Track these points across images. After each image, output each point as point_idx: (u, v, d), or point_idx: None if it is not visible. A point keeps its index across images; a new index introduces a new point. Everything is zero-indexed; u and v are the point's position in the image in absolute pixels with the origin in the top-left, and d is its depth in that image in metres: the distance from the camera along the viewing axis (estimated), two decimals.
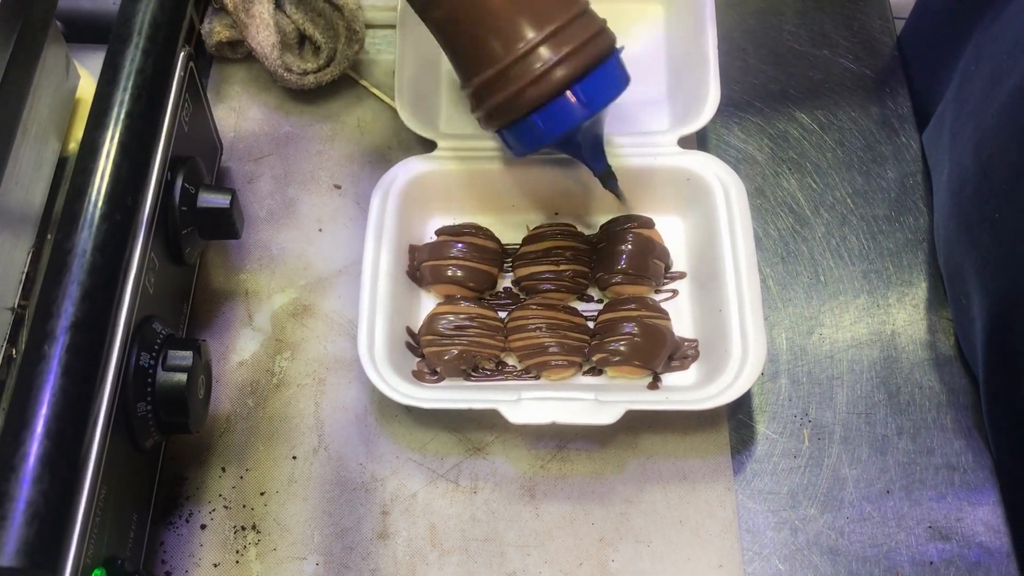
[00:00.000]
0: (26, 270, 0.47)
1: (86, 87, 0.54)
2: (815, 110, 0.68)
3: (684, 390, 0.55)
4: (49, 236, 0.49)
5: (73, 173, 0.34)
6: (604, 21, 0.53)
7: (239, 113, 0.68)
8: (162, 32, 0.36)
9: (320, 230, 0.63)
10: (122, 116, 0.34)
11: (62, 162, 0.52)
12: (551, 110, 0.50)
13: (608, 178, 0.57)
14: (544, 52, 0.49)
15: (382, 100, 0.68)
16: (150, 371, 0.47)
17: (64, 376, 0.30)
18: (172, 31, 0.37)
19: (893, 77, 0.69)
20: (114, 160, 0.33)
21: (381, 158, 0.66)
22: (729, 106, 0.68)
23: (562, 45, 0.49)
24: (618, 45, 0.53)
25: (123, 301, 0.34)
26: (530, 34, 0.49)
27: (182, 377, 0.47)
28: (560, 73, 0.49)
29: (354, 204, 0.64)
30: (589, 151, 0.55)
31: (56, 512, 0.28)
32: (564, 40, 0.49)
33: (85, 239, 0.32)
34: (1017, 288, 0.51)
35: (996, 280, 0.53)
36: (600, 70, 0.51)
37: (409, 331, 0.58)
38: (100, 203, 0.32)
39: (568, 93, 0.50)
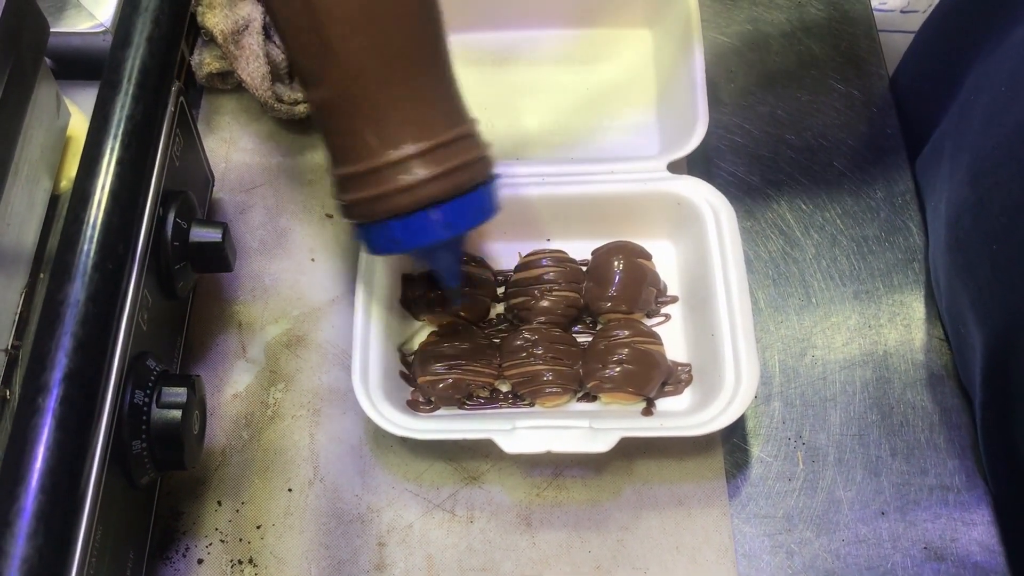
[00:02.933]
0: (19, 311, 0.47)
1: (77, 124, 0.55)
2: (804, 131, 0.69)
3: (678, 415, 0.55)
4: (42, 275, 0.49)
5: (64, 223, 0.34)
6: (487, 148, 0.51)
7: (230, 143, 0.68)
8: (152, 77, 0.37)
9: (313, 260, 0.64)
10: (112, 164, 0.34)
11: (54, 200, 0.52)
12: (411, 223, 0.48)
13: (454, 296, 0.57)
14: (417, 166, 0.47)
15: None
16: (145, 409, 0.47)
17: (59, 429, 0.30)
18: (163, 76, 0.38)
19: (881, 97, 0.70)
20: (105, 208, 0.34)
21: None
22: (718, 128, 0.69)
23: (438, 163, 0.47)
24: (492, 174, 0.51)
25: (116, 347, 0.34)
26: (408, 143, 0.47)
27: (177, 414, 0.47)
28: (428, 191, 0.47)
29: (346, 233, 0.64)
30: (445, 268, 0.53)
31: (51, 567, 0.28)
32: (440, 159, 0.47)
33: (77, 289, 0.32)
34: (1015, 323, 0.51)
35: (993, 314, 0.53)
36: (468, 197, 0.49)
37: (403, 355, 0.58)
38: (92, 253, 0.32)
39: (432, 211, 0.48)
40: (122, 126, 0.35)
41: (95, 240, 0.33)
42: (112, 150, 0.35)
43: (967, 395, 0.58)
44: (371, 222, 0.50)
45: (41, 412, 0.30)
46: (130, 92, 0.36)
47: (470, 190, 0.49)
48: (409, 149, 0.47)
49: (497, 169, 0.52)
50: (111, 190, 0.34)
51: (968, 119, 0.58)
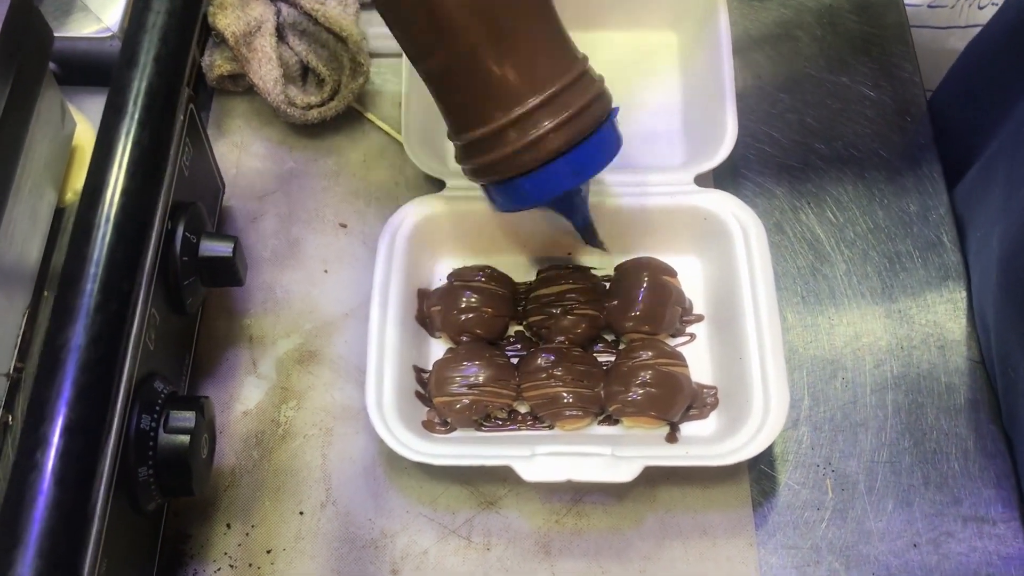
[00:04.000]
0: (22, 332, 0.45)
1: (83, 133, 0.53)
2: (833, 140, 0.66)
3: (704, 443, 0.53)
4: (46, 293, 0.47)
5: (66, 259, 0.32)
6: (602, 81, 0.51)
7: (241, 148, 0.66)
8: (159, 99, 0.35)
9: (326, 271, 0.62)
10: (117, 195, 0.32)
11: (58, 213, 0.50)
12: (541, 176, 0.49)
13: (588, 233, 0.55)
14: (540, 118, 0.47)
15: (388, 133, 0.67)
16: (151, 434, 0.45)
17: (58, 486, 0.28)
18: (170, 97, 0.36)
19: (915, 105, 0.67)
20: (108, 243, 0.32)
21: (387, 195, 0.64)
22: (745, 136, 0.66)
23: (559, 111, 0.47)
24: (609, 109, 0.51)
25: (120, 388, 0.32)
26: (527, 96, 0.47)
27: (185, 439, 0.46)
28: (554, 142, 0.47)
29: (360, 244, 0.62)
30: (574, 211, 0.53)
31: None
32: (561, 106, 0.47)
33: (79, 333, 0.30)
34: None
35: None
36: (594, 138, 0.49)
37: (418, 374, 0.56)
38: (94, 293, 0.30)
39: (559, 162, 0.48)
40: (127, 154, 0.33)
41: (98, 279, 0.31)
42: (116, 180, 0.33)
43: (1002, 424, 0.56)
44: (505, 181, 0.49)
45: (39, 468, 0.28)
46: (136, 116, 0.34)
47: (593, 133, 0.48)
48: (529, 103, 0.47)
49: (613, 102, 0.51)
50: (115, 222, 0.32)
51: None
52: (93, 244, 0.31)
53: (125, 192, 0.33)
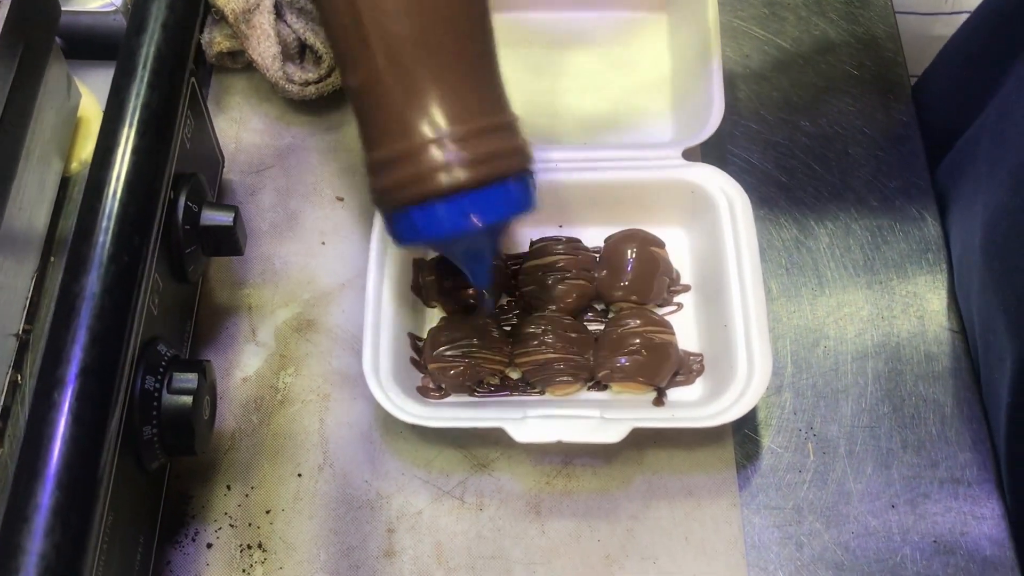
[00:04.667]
0: (30, 295, 0.47)
1: (87, 105, 0.54)
2: (819, 118, 0.68)
3: (689, 406, 0.55)
4: (52, 259, 0.49)
5: (79, 213, 0.34)
6: (525, 141, 0.49)
7: (240, 124, 0.68)
8: (167, 64, 0.36)
9: (323, 243, 0.63)
10: (128, 153, 0.34)
11: (64, 182, 0.51)
12: (431, 211, 0.46)
13: (481, 297, 0.54)
14: (444, 149, 0.45)
15: None
16: (156, 395, 0.46)
17: (75, 424, 0.30)
18: (178, 62, 0.37)
19: (897, 84, 0.69)
20: (120, 199, 0.33)
21: None
22: (732, 114, 0.68)
23: (467, 149, 0.45)
24: (528, 167, 0.49)
25: (131, 337, 0.34)
26: (439, 126, 0.45)
27: (188, 400, 0.47)
28: (451, 177, 0.45)
29: (357, 217, 0.64)
30: (470, 265, 0.51)
31: (68, 561, 0.28)
32: (473, 146, 0.46)
33: (93, 282, 0.31)
34: None
35: None
36: (495, 189, 0.46)
37: (413, 341, 0.58)
38: (107, 244, 0.32)
39: (456, 198, 0.46)
40: (138, 114, 0.34)
41: (111, 231, 0.33)
42: (128, 138, 0.34)
43: (979, 388, 0.58)
44: (395, 210, 0.48)
45: (57, 407, 0.30)
46: (145, 79, 0.35)
47: (500, 180, 0.47)
48: (439, 132, 0.45)
49: (535, 164, 0.49)
50: (127, 180, 0.34)
51: (1011, 119, 0.56)
52: (106, 199, 0.33)
53: (136, 151, 0.34)
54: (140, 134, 0.34)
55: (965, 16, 0.70)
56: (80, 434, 0.30)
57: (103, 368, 0.32)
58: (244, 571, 0.53)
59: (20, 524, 0.28)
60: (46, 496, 0.28)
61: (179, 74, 0.37)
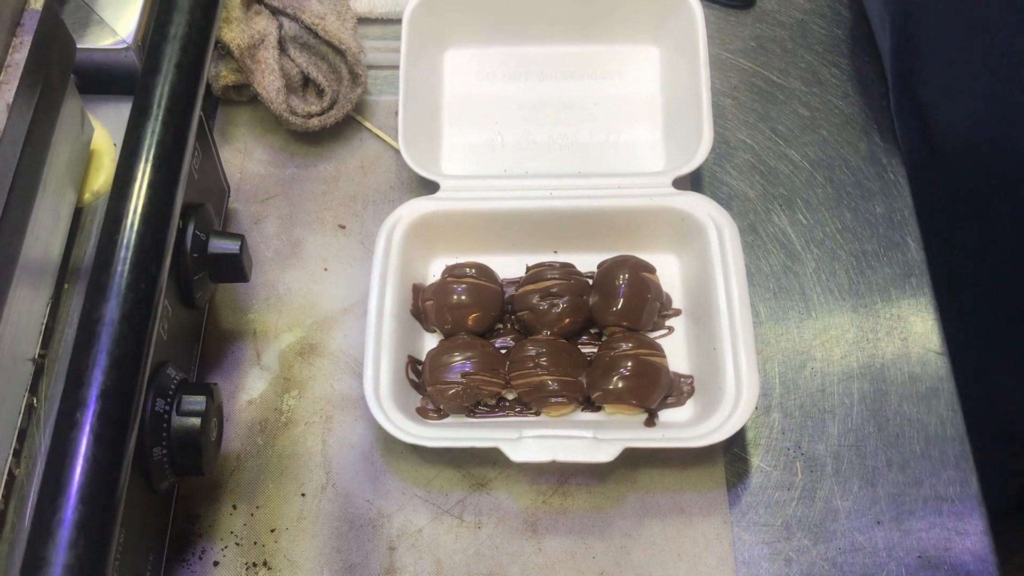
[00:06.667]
0: (45, 321, 0.49)
1: (99, 138, 0.56)
2: (805, 147, 0.70)
3: (680, 427, 0.57)
4: (66, 286, 0.51)
5: (99, 244, 0.36)
6: None
7: (245, 155, 0.70)
8: (180, 102, 0.38)
9: (326, 269, 0.65)
10: (144, 187, 0.36)
11: (78, 212, 0.53)
12: None
13: None
14: None
15: (384, 141, 0.70)
16: (165, 416, 0.48)
17: (96, 443, 0.31)
18: (190, 100, 0.39)
19: (881, 114, 0.71)
20: (137, 231, 0.35)
21: (384, 198, 0.68)
22: (721, 143, 0.70)
23: None
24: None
25: (148, 363, 0.36)
26: None
27: (196, 422, 0.49)
28: None
29: (359, 244, 0.66)
30: None
31: (90, 573, 0.30)
32: None
33: (112, 309, 0.33)
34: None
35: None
36: None
37: (412, 363, 0.60)
38: (125, 273, 0.34)
39: None
40: (153, 150, 0.37)
41: (128, 261, 0.34)
42: (144, 173, 0.36)
43: (962, 408, 0.60)
44: None
45: (79, 426, 0.32)
46: (160, 117, 0.37)
47: None
48: None
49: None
50: (143, 212, 0.36)
51: None
52: (123, 231, 0.35)
53: (151, 184, 0.36)
54: (155, 169, 0.36)
55: None
56: (100, 452, 0.31)
57: (121, 390, 0.34)
58: None
59: (46, 537, 0.30)
60: (69, 510, 0.30)
61: (190, 111, 0.39)
